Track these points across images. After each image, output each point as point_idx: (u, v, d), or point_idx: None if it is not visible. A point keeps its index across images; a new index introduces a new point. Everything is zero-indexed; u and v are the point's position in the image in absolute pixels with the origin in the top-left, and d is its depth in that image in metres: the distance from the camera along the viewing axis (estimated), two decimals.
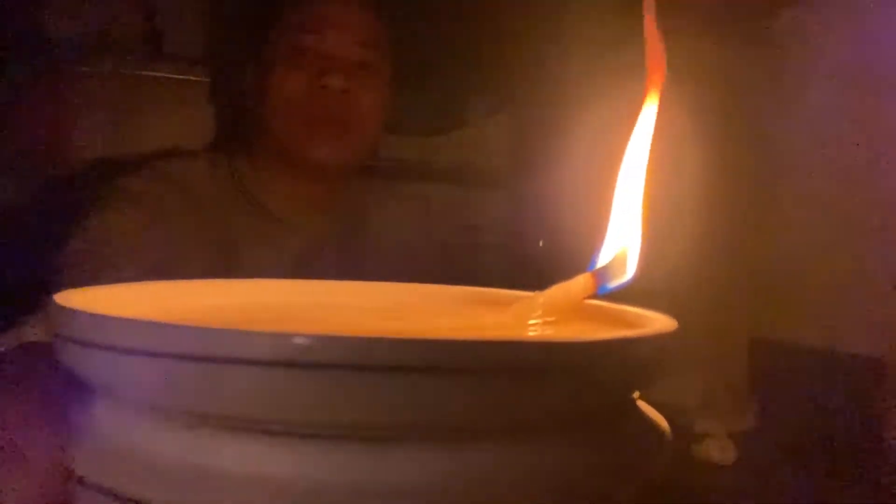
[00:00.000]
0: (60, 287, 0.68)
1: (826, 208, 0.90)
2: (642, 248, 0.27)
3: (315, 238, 0.93)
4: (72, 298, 0.23)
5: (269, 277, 0.90)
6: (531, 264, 1.20)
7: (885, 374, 0.83)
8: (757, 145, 0.92)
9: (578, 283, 0.26)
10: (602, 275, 0.26)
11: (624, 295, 0.28)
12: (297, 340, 0.18)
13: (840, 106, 0.87)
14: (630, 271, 0.26)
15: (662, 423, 0.24)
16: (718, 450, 0.82)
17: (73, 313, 0.21)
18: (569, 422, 0.20)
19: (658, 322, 0.25)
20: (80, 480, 0.21)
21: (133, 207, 0.80)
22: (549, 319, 0.26)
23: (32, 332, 0.58)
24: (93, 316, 0.20)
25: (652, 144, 0.28)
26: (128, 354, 0.19)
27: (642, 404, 0.24)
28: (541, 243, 1.18)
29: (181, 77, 1.04)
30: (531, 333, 0.26)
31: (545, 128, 1.18)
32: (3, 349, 0.56)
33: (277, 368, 0.18)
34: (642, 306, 0.27)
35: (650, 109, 0.28)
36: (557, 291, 0.26)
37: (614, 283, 0.26)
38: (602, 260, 0.27)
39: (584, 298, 0.26)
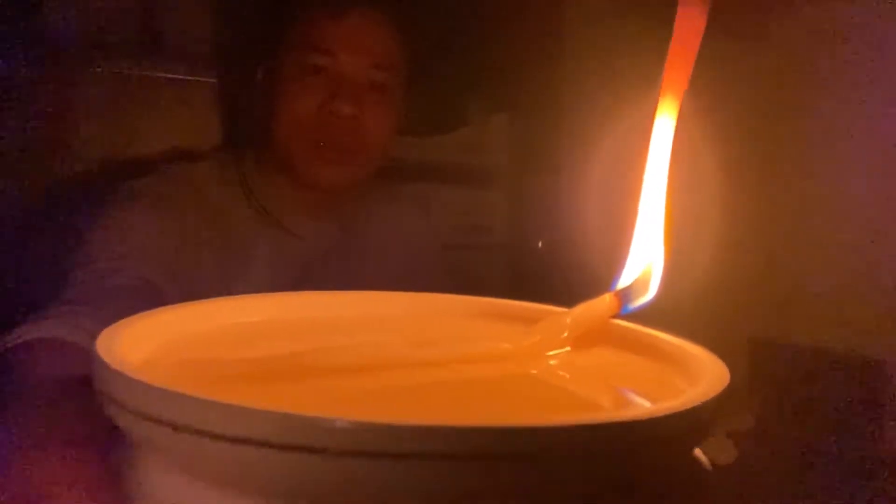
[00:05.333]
0: (68, 287, 0.68)
1: (826, 208, 0.90)
2: (665, 267, 0.27)
3: (320, 244, 0.92)
4: (114, 350, 0.22)
5: (276, 282, 0.89)
6: (531, 264, 1.21)
7: (884, 374, 0.83)
8: (761, 148, 0.92)
9: (604, 303, 0.26)
10: (626, 294, 0.26)
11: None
12: (339, 424, 0.17)
13: (851, 107, 0.87)
14: (653, 290, 0.27)
15: (707, 463, 0.24)
16: (718, 450, 0.82)
17: (133, 383, 0.20)
18: (630, 487, 0.20)
19: (704, 362, 0.24)
20: None
21: (147, 208, 0.80)
22: (576, 342, 0.27)
23: (34, 329, 0.58)
24: (162, 392, 0.19)
25: (672, 160, 0.27)
26: (198, 435, 0.18)
27: (697, 452, 0.24)
28: (540, 244, 1.18)
29: (181, 77, 1.04)
30: (555, 353, 0.27)
31: (545, 128, 1.18)
32: (9, 345, 0.56)
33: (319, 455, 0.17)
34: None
35: (668, 122, 0.27)
36: (583, 311, 0.27)
37: (637, 303, 0.27)
38: (625, 279, 0.27)
39: (609, 318, 0.27)
